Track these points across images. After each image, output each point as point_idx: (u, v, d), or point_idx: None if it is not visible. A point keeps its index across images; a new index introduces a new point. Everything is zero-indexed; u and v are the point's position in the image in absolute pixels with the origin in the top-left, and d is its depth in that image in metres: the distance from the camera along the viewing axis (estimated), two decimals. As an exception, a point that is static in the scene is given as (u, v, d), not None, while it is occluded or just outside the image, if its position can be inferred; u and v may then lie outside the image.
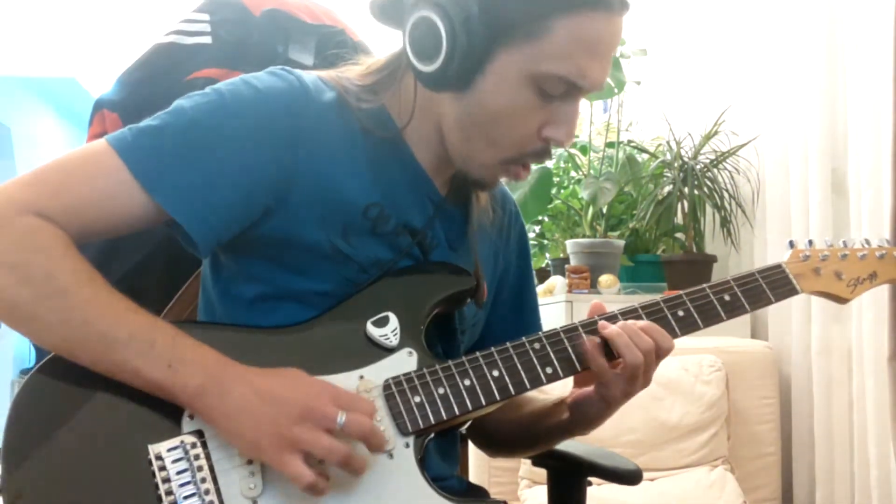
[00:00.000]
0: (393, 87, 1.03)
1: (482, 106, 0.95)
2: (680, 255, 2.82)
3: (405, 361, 0.96)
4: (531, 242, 3.25)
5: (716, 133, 2.81)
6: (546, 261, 3.21)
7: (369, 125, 1.00)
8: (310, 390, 0.87)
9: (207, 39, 1.24)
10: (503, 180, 1.08)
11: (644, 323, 0.99)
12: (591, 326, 1.00)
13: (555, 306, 2.67)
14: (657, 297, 1.04)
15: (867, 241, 1.14)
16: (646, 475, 1.59)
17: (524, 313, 1.22)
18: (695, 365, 2.38)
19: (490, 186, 1.06)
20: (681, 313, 1.03)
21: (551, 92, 0.94)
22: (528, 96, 0.94)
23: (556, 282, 2.83)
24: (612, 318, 1.01)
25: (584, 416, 1.06)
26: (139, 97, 1.21)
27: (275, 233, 0.97)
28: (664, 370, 2.39)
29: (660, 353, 0.99)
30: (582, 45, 0.92)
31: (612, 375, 0.98)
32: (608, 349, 0.98)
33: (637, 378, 0.99)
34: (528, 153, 0.99)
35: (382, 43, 1.07)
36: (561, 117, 0.96)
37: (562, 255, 3.02)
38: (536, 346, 0.98)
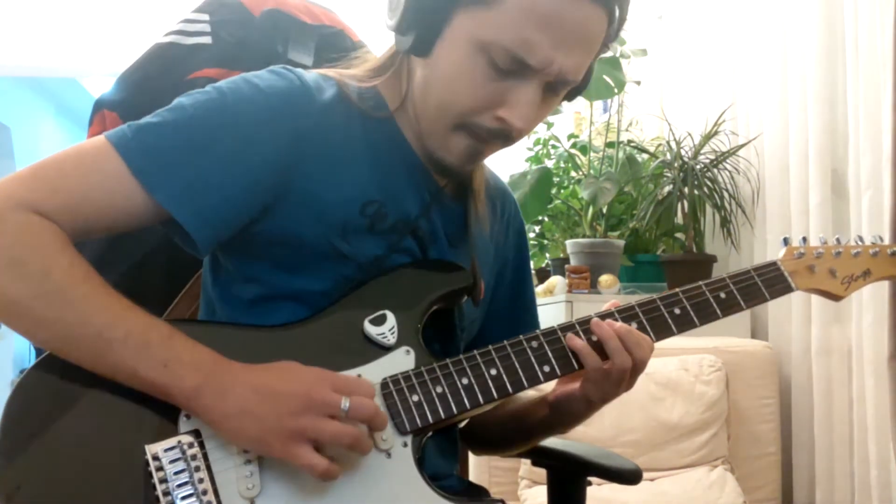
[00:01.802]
0: (388, 73, 1.04)
1: (436, 69, 0.96)
2: (680, 255, 2.82)
3: (403, 360, 0.96)
4: (531, 242, 3.26)
5: (716, 133, 2.81)
6: (546, 261, 3.20)
7: (366, 106, 1.01)
8: (308, 380, 0.87)
9: (207, 39, 1.24)
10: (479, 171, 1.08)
11: (635, 329, 1.00)
12: (587, 325, 1.00)
13: (555, 306, 2.67)
14: (654, 295, 1.04)
15: (860, 239, 1.15)
16: (646, 475, 1.59)
17: (519, 310, 1.22)
18: (695, 365, 2.37)
19: (455, 166, 1.01)
20: (677, 311, 1.03)
21: (501, 65, 0.92)
22: (479, 66, 0.93)
23: (556, 282, 2.83)
24: (609, 317, 1.01)
25: (564, 414, 1.07)
26: (139, 97, 1.21)
27: (273, 232, 0.97)
28: (664, 370, 2.40)
29: (645, 360, 0.99)
30: (533, 18, 0.89)
31: (602, 375, 0.98)
32: (601, 349, 0.98)
33: (623, 381, 0.99)
34: (481, 126, 0.96)
35: (382, 44, 1.08)
36: (514, 98, 0.94)
37: (562, 255, 3.02)
38: (534, 344, 0.98)
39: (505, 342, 0.98)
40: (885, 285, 2.02)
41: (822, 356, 2.41)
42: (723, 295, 1.05)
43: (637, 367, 0.99)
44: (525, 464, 2.29)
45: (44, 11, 4.28)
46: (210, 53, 1.23)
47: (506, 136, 0.98)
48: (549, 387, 1.07)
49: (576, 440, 1.27)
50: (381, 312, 0.97)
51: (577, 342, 0.98)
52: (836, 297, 1.13)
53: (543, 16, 0.90)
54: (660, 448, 2.29)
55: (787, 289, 1.09)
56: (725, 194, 2.75)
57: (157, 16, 3.47)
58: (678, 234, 2.90)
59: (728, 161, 2.78)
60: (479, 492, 1.11)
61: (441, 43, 0.94)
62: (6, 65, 4.47)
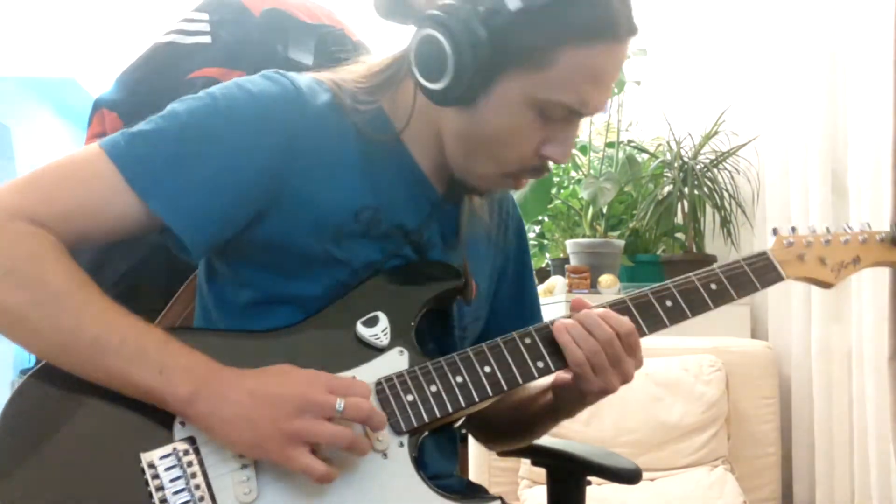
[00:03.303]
0: (392, 90, 1.03)
1: (484, 125, 0.96)
2: (680, 255, 2.82)
3: (396, 360, 0.96)
4: (531, 242, 3.25)
5: (716, 133, 2.81)
6: (546, 261, 3.20)
7: (365, 128, 1.00)
8: (302, 382, 0.87)
9: (207, 39, 1.24)
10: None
11: (601, 311, 0.98)
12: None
13: (555, 306, 2.67)
14: (645, 288, 1.04)
15: (849, 227, 1.16)
16: (646, 475, 1.59)
17: (525, 304, 1.22)
18: (695, 365, 2.37)
19: (487, 194, 1.08)
20: (669, 303, 1.03)
21: (553, 116, 0.95)
22: (529, 119, 0.95)
23: (556, 282, 2.83)
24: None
25: (564, 401, 1.06)
26: (138, 96, 1.21)
27: (267, 237, 0.97)
28: (664, 370, 2.40)
29: (623, 339, 0.97)
30: (586, 75, 0.93)
31: (588, 370, 0.97)
32: None
33: (590, 375, 0.97)
34: (527, 169, 1.00)
35: (382, 43, 1.07)
36: (560, 138, 0.97)
37: (562, 255, 3.02)
38: (527, 340, 0.99)
39: (498, 339, 0.98)
40: (885, 285, 2.02)
41: (822, 356, 2.41)
42: (714, 286, 1.05)
43: (612, 354, 0.96)
44: (525, 464, 2.29)
45: (44, 12, 4.28)
46: (210, 53, 1.23)
47: (548, 170, 1.02)
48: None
49: (576, 440, 1.27)
50: (373, 314, 0.97)
51: (564, 336, 0.97)
52: (826, 285, 1.14)
53: (596, 72, 0.93)
54: (660, 448, 2.29)
55: (778, 277, 1.09)
56: (725, 194, 2.75)
57: (157, 15, 3.46)
58: (678, 234, 2.91)
59: (728, 161, 2.78)
60: (478, 491, 1.11)
61: (486, 97, 0.94)
62: (6, 65, 4.47)
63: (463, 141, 0.99)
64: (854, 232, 1.15)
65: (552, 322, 1.00)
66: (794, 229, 1.13)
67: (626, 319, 0.98)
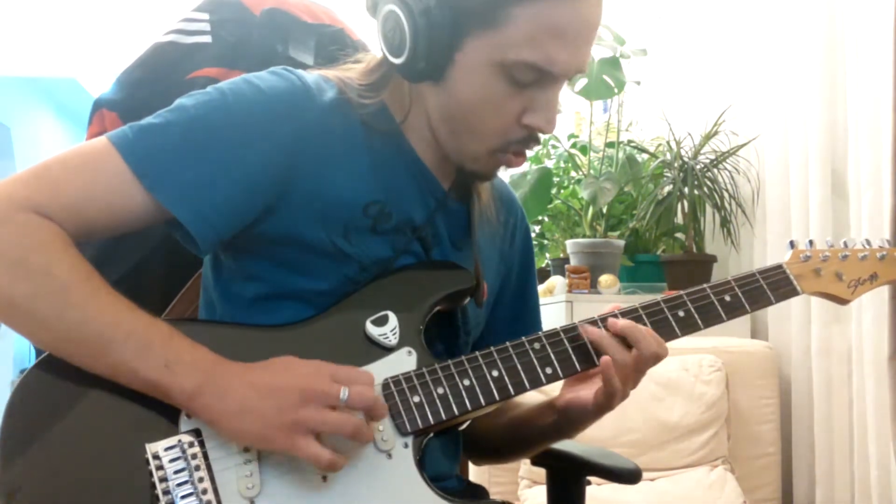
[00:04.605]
0: (390, 84, 1.03)
1: (456, 96, 0.96)
2: (680, 255, 2.82)
3: (404, 361, 0.95)
4: (531, 242, 3.26)
5: (716, 133, 2.81)
6: (546, 261, 3.20)
7: (371, 121, 1.01)
8: (306, 372, 0.87)
9: (207, 39, 1.24)
10: (501, 172, 1.08)
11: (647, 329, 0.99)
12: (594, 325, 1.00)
13: (555, 306, 2.67)
14: (658, 297, 1.03)
15: (868, 242, 1.14)
16: (646, 475, 1.59)
17: (524, 316, 1.22)
18: (695, 365, 2.37)
19: (488, 178, 1.06)
20: (681, 314, 1.02)
21: (522, 79, 0.93)
22: (499, 85, 0.94)
23: (556, 282, 2.83)
24: (612, 318, 1.01)
25: (571, 420, 1.05)
26: (138, 96, 1.21)
27: (275, 231, 0.97)
28: (664, 370, 2.40)
29: (658, 357, 0.99)
30: (546, 30, 0.91)
31: (626, 367, 0.97)
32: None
33: (642, 373, 0.98)
34: (512, 141, 0.98)
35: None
36: (538, 104, 0.96)
37: (562, 255, 3.02)
38: (536, 346, 0.98)
39: (507, 343, 0.98)
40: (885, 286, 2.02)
41: (822, 356, 2.41)
42: (727, 298, 1.04)
43: (649, 361, 0.97)
44: (525, 464, 2.29)
45: (44, 12, 4.28)
46: (210, 53, 1.23)
47: (535, 141, 1.00)
48: (552, 391, 1.06)
49: (576, 440, 1.27)
50: (382, 313, 0.97)
51: (596, 332, 0.97)
52: (842, 301, 1.12)
53: (558, 25, 0.91)
54: (660, 448, 2.29)
55: (793, 292, 1.07)
56: (725, 194, 2.75)
57: (157, 15, 3.46)
58: (678, 234, 2.90)
59: (728, 161, 2.78)
60: (480, 492, 1.11)
61: (454, 68, 0.94)
62: (6, 65, 4.47)
63: (446, 120, 0.99)
64: (872, 248, 1.13)
65: (565, 327, 0.99)
66: (811, 242, 1.11)
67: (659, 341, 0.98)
